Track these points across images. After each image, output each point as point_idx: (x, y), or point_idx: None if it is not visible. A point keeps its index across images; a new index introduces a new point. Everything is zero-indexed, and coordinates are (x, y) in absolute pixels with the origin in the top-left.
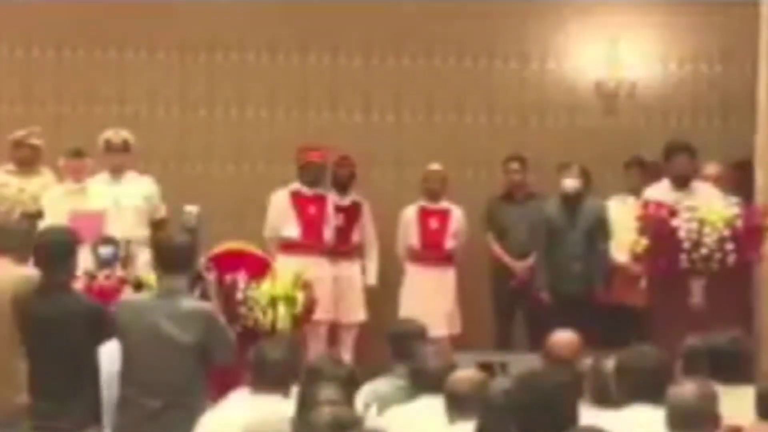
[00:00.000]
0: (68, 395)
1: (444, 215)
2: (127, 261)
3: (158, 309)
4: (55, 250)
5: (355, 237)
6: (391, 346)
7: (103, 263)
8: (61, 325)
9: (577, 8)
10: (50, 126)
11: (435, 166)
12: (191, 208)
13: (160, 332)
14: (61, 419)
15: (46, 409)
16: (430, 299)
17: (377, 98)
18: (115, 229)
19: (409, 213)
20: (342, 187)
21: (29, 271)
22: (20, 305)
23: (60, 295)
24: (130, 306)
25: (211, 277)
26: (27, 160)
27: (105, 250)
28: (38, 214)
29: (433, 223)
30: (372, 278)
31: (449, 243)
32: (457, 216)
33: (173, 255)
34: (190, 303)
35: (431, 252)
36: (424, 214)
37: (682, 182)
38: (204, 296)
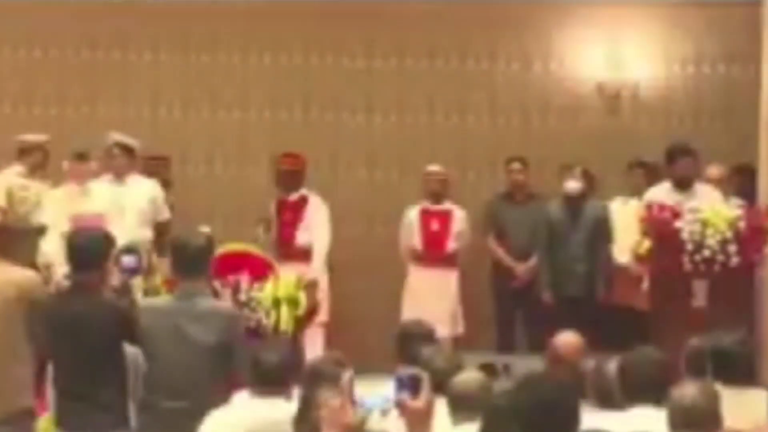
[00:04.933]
0: (96, 397)
1: (446, 216)
2: (149, 270)
3: (179, 311)
4: (88, 252)
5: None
6: (397, 346)
7: (126, 273)
8: (89, 326)
9: (579, 10)
10: (53, 127)
11: (435, 168)
12: (205, 229)
13: (182, 334)
14: (90, 421)
15: (74, 410)
16: (432, 300)
17: (380, 99)
18: (118, 231)
19: (411, 214)
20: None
21: (30, 273)
22: (46, 307)
23: (88, 297)
24: (152, 309)
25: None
26: (40, 164)
27: (128, 259)
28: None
29: (435, 225)
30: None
31: (451, 244)
32: (459, 217)
33: (191, 258)
34: (211, 303)
35: (433, 253)
36: (426, 216)
37: (684, 184)
38: None
